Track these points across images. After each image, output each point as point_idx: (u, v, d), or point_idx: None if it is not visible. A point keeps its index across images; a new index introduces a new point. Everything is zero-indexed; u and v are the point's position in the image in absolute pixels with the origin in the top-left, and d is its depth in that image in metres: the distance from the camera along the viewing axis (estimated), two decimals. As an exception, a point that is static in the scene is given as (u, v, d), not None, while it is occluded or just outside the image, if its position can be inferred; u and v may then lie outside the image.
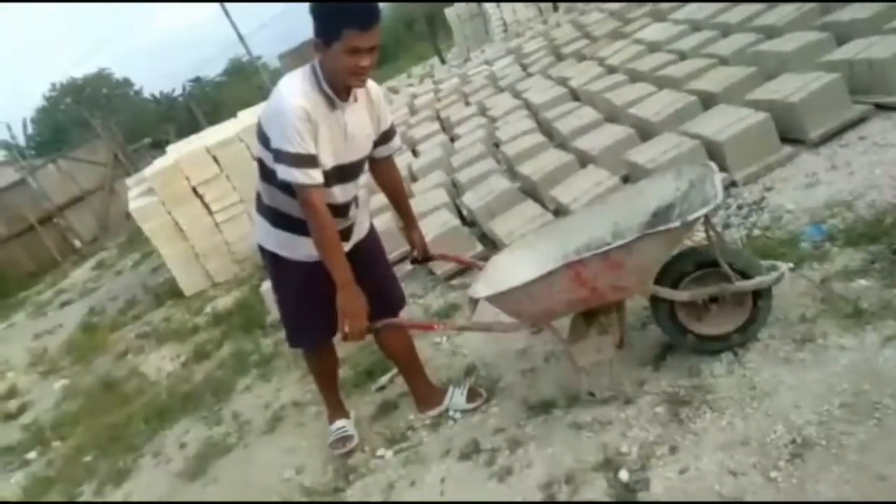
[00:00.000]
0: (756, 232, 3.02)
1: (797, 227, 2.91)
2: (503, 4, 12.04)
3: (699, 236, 2.61)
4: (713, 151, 3.49)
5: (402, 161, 6.23)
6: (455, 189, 4.99)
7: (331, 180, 2.32)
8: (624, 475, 2.10)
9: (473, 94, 7.69)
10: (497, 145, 5.44)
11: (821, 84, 3.42)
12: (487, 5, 12.35)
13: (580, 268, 2.21)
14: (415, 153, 6.45)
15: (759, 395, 2.16)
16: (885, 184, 2.87)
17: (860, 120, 3.41)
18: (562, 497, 2.16)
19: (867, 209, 2.76)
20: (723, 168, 3.48)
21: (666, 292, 2.33)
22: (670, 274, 2.34)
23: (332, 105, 2.28)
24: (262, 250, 2.62)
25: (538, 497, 2.20)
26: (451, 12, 13.08)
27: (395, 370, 3.16)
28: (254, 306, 5.09)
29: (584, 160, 4.19)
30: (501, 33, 11.91)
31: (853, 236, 2.64)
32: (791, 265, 2.62)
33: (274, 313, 4.59)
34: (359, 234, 2.63)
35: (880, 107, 3.41)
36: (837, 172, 3.15)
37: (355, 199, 2.52)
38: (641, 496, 2.02)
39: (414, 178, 5.56)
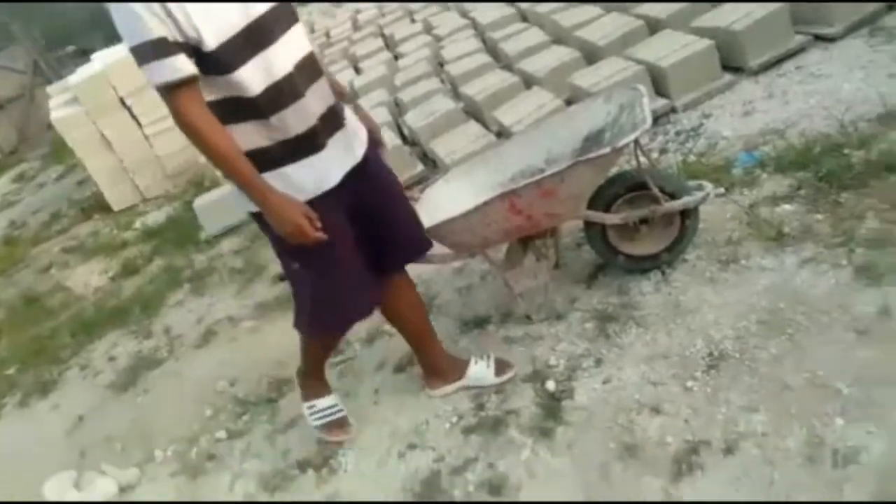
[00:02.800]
0: (692, 157, 3.07)
1: (731, 153, 2.97)
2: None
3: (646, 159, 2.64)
4: (656, 77, 3.49)
5: (344, 78, 6.05)
6: (397, 108, 4.88)
7: (245, 49, 1.64)
8: (551, 385, 2.18)
9: (419, 11, 7.44)
10: (441, 65, 5.32)
11: (764, 13, 3.42)
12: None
13: (514, 197, 2.21)
14: (357, 70, 6.25)
15: (682, 312, 2.24)
16: (816, 114, 2.93)
17: (799, 50, 3.44)
18: (491, 405, 2.22)
19: (798, 138, 2.82)
20: (665, 94, 3.51)
21: (598, 216, 2.36)
22: (603, 197, 2.36)
23: None
24: (255, 217, 1.89)
25: (469, 406, 2.26)
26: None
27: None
28: (187, 222, 4.94)
29: (528, 82, 4.14)
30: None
31: (783, 164, 2.71)
32: (722, 189, 2.70)
33: (211, 228, 4.49)
34: (353, 142, 1.91)
35: (819, 38, 3.45)
36: (773, 101, 3.20)
37: (305, 68, 1.76)
38: (566, 404, 2.10)
39: (356, 96, 5.40)
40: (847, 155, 2.57)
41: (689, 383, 1.98)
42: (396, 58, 6.09)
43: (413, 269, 3.10)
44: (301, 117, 1.76)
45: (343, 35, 7.99)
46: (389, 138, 4.06)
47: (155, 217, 5.52)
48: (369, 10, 8.86)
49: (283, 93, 1.71)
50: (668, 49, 3.55)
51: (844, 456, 1.62)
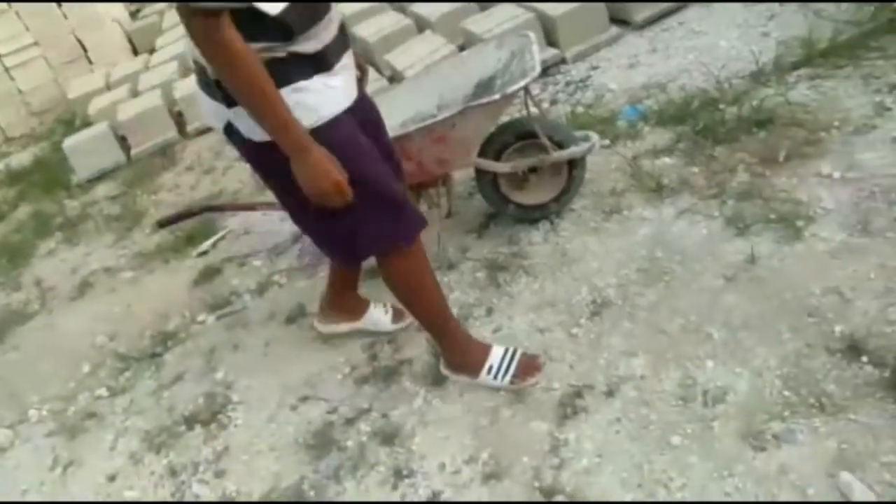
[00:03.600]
0: (580, 109, 3.13)
1: (616, 105, 3.06)
2: None
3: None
4: (548, 26, 3.52)
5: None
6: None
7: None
8: (443, 335, 2.21)
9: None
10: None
11: (651, -34, 3.50)
12: None
13: (405, 142, 2.17)
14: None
15: (568, 261, 2.32)
16: (695, 69, 3.06)
17: (682, 6, 3.56)
18: (384, 355, 2.24)
19: (678, 92, 2.94)
20: (555, 44, 3.55)
21: (488, 164, 2.37)
22: (493, 145, 2.37)
23: None
24: (257, 148, 1.60)
25: (362, 356, 2.27)
26: None
27: (219, 234, 3.02)
28: (56, 164, 4.58)
29: (421, 25, 4.06)
30: None
31: (664, 117, 2.82)
32: (607, 141, 2.78)
33: (83, 172, 4.19)
34: (352, 67, 1.70)
35: (700, -5, 3.58)
36: (656, 55, 3.31)
37: None
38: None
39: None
40: (722, 110, 2.71)
41: (574, 330, 2.07)
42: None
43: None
44: (329, 28, 1.56)
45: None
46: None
47: (19, 159, 5.07)
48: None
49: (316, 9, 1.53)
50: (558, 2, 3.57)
51: (713, 396, 1.75)
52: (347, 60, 1.65)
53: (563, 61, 3.51)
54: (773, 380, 1.71)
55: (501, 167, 2.37)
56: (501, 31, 3.41)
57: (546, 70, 3.41)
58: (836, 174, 2.24)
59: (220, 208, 2.80)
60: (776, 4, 3.29)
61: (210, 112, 1.64)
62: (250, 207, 2.70)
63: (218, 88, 1.53)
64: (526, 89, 2.23)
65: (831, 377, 1.66)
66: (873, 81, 2.56)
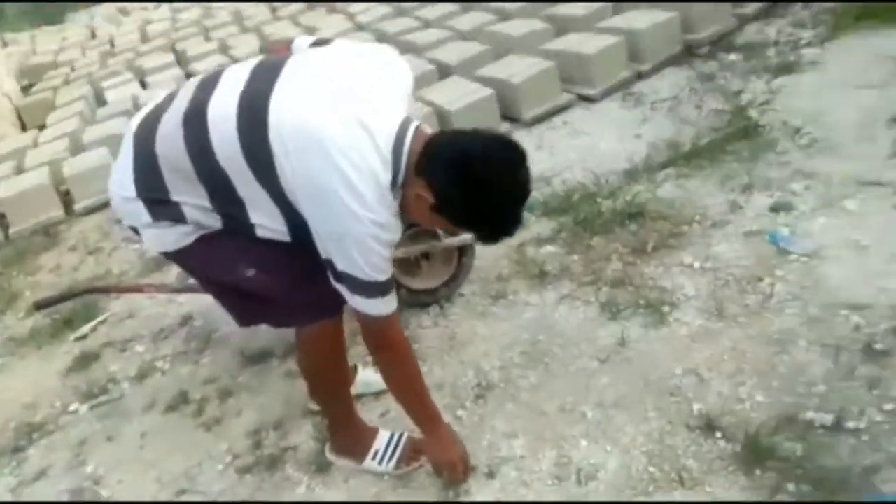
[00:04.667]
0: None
1: (505, 196, 3.22)
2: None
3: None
4: (444, 119, 3.71)
5: (128, 91, 5.67)
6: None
7: None
8: (329, 420, 2.19)
9: (215, 29, 7.21)
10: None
11: (538, 70, 3.80)
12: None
13: None
14: (143, 85, 5.89)
15: (457, 345, 2.38)
16: (577, 165, 3.30)
17: (566, 107, 3.86)
18: (268, 443, 2.19)
19: (561, 186, 3.15)
20: (449, 136, 3.73)
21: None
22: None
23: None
24: (182, 253, 1.72)
25: (246, 444, 2.21)
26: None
27: (100, 317, 2.90)
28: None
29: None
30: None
31: (548, 209, 3.00)
32: (496, 230, 2.92)
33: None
34: None
35: (582, 97, 3.90)
36: (542, 152, 3.54)
37: None
38: (343, 438, 2.13)
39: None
40: (599, 203, 2.92)
41: (460, 412, 2.11)
42: (189, 76, 5.83)
43: (195, 301, 2.99)
44: None
45: (129, 46, 7.50)
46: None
47: None
48: (162, 21, 8.42)
49: None
50: (455, 93, 3.79)
51: (586, 473, 1.82)
52: None
53: (457, 153, 3.68)
54: (639, 456, 1.80)
55: (395, 253, 2.44)
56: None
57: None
58: (697, 264, 2.45)
59: (104, 290, 2.72)
60: (649, 108, 3.63)
61: (126, 208, 1.71)
62: (137, 289, 2.63)
63: (163, 208, 1.65)
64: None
65: (690, 452, 1.77)
66: (729, 182, 2.85)
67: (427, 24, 5.30)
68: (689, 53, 4.05)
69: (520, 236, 2.87)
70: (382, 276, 1.58)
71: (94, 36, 8.76)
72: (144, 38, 7.73)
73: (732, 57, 3.91)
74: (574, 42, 4.04)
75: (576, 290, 2.49)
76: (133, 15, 9.93)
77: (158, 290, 2.60)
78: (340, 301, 1.69)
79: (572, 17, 4.44)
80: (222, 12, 8.05)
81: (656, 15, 4.03)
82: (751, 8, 4.22)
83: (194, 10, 8.66)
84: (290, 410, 2.28)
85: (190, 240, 1.68)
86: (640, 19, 4.04)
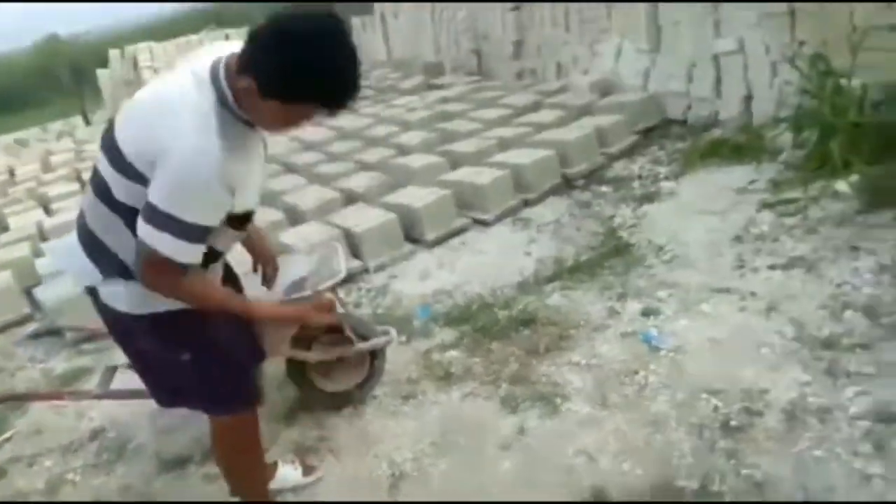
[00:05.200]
0: (380, 311, 3.55)
1: (411, 309, 3.51)
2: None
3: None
4: (352, 241, 4.02)
5: (32, 218, 5.67)
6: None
7: (245, 223, 1.88)
8: (251, 517, 2.27)
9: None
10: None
11: (437, 197, 4.24)
12: (145, 74, 11.99)
13: None
14: (47, 211, 5.92)
15: (370, 441, 2.55)
16: (475, 280, 3.65)
17: (463, 230, 4.28)
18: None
19: (462, 298, 3.48)
20: (359, 256, 4.04)
21: (300, 354, 2.63)
22: (304, 337, 2.65)
23: (252, 128, 1.74)
24: (133, 318, 1.83)
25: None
26: (103, 74, 12.35)
27: (6, 434, 2.86)
28: None
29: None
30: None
31: (450, 318, 3.31)
32: (404, 338, 3.18)
33: None
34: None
35: (477, 221, 4.34)
36: (444, 269, 3.90)
37: None
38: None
39: (44, 238, 5.11)
40: (496, 313, 3.25)
41: (376, 502, 2.26)
42: (95, 203, 5.93)
43: (107, 415, 3.00)
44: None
45: (30, 175, 7.51)
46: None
47: None
48: (65, 153, 8.50)
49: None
50: (362, 218, 4.14)
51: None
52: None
53: (366, 271, 3.98)
54: (541, 526, 2.02)
55: (312, 357, 2.63)
56: (311, 243, 3.84)
57: (351, 278, 3.84)
58: (583, 362, 2.78)
59: (23, 397, 2.71)
60: (535, 230, 4.11)
61: (82, 271, 1.81)
62: (57, 396, 2.65)
63: (107, 261, 1.77)
64: (334, 290, 2.58)
65: (584, 519, 2.01)
66: (606, 291, 3.27)
67: (334, 158, 5.73)
68: (567, 185, 4.64)
69: (426, 343, 3.15)
70: (200, 220, 1.63)
71: (-9, 165, 8.69)
72: (46, 168, 7.78)
73: (604, 188, 4.52)
74: (468, 174, 4.55)
75: (478, 388, 2.75)
76: (32, 147, 9.94)
77: (78, 396, 2.63)
78: (258, 395, 1.91)
79: (464, 153, 4.99)
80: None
81: (537, 152, 4.63)
82: (616, 148, 4.92)
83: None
84: (210, 513, 2.34)
85: (140, 310, 1.81)
86: (524, 155, 4.63)
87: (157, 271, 1.67)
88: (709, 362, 2.61)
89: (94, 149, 8.47)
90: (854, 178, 3.49)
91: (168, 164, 1.57)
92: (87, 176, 6.92)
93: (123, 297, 1.79)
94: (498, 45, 7.71)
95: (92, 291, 1.85)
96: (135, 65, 12.13)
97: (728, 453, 2.18)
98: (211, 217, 1.66)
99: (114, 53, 12.33)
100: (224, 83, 1.63)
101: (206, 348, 1.88)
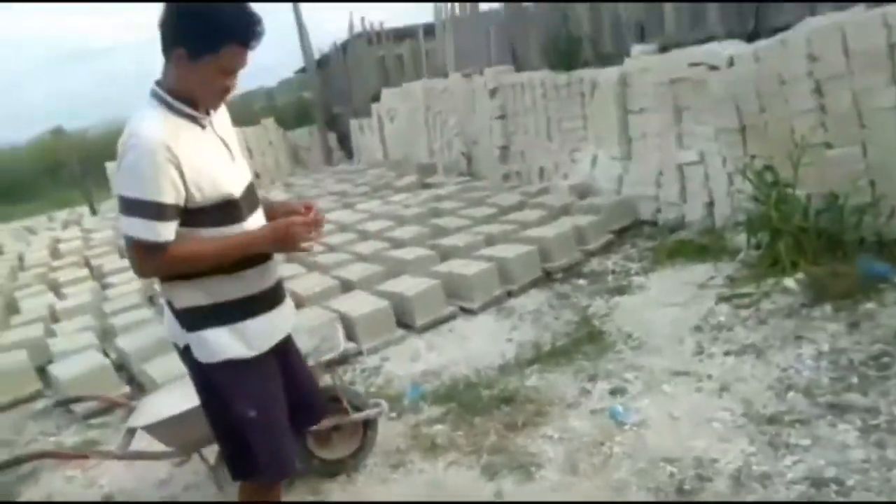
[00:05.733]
0: (373, 389, 3.85)
1: (402, 387, 3.82)
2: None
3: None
4: (348, 325, 4.36)
5: (43, 301, 5.98)
6: (103, 334, 5.03)
7: (243, 212, 2.00)
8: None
9: (130, 248, 7.78)
10: (151, 297, 5.66)
11: (427, 286, 4.61)
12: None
13: None
14: (58, 295, 6.23)
15: (362, 505, 2.81)
16: (461, 363, 3.98)
17: (451, 317, 4.63)
18: None
19: (449, 378, 3.79)
20: (354, 339, 4.36)
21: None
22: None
23: (199, 124, 1.94)
24: (210, 368, 2.01)
25: None
26: (111, 166, 12.93)
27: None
28: None
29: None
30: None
31: (438, 396, 3.61)
32: (394, 414, 3.47)
33: None
34: (290, 317, 2.24)
35: (464, 309, 4.70)
36: (432, 353, 4.22)
37: None
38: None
39: (56, 319, 5.41)
40: (479, 392, 3.56)
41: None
42: (104, 287, 6.26)
43: (115, 482, 3.24)
44: (266, 276, 2.07)
45: (39, 261, 7.86)
46: (97, 358, 4.24)
47: None
48: (73, 241, 8.88)
49: (257, 254, 2.02)
50: (358, 304, 4.49)
51: None
52: (284, 305, 2.16)
53: (360, 353, 4.29)
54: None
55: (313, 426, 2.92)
56: (311, 326, 4.17)
57: (346, 359, 4.16)
58: (556, 435, 3.08)
59: (53, 455, 2.89)
60: (517, 318, 4.47)
61: (172, 331, 2.06)
62: (82, 456, 2.90)
63: (176, 314, 2.01)
64: (331, 363, 2.91)
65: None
66: (580, 374, 3.59)
67: (332, 249, 6.15)
68: (548, 278, 5.04)
69: (414, 418, 3.44)
70: (151, 197, 1.79)
71: (1, 252, 9.05)
72: (55, 255, 8.14)
73: (581, 281, 4.92)
74: (456, 265, 4.95)
75: (461, 458, 3.03)
76: (41, 234, 10.34)
77: (102, 455, 2.87)
78: (291, 467, 2.14)
79: (454, 246, 5.42)
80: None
81: (520, 247, 5.06)
82: (593, 245, 5.36)
83: (107, 231, 9.24)
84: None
85: (218, 357, 1.99)
86: (508, 250, 5.05)
87: (144, 256, 1.87)
88: (667, 435, 2.92)
89: (100, 237, 8.89)
90: (800, 275, 3.91)
91: (123, 158, 1.82)
92: (95, 262, 7.30)
93: (201, 345, 1.99)
94: (486, 149, 8.33)
95: (176, 346, 2.10)
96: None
97: (681, 514, 2.47)
98: (167, 192, 1.81)
99: (123, 148, 12.97)
100: (159, 89, 1.90)
101: (257, 415, 2.03)
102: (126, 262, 7.05)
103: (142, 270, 1.95)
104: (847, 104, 4.07)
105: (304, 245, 1.99)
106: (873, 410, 2.77)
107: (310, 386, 2.40)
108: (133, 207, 1.82)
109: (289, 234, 1.98)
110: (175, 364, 4.09)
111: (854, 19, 4.04)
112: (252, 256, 2.01)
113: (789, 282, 3.92)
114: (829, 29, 4.12)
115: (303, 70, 16.33)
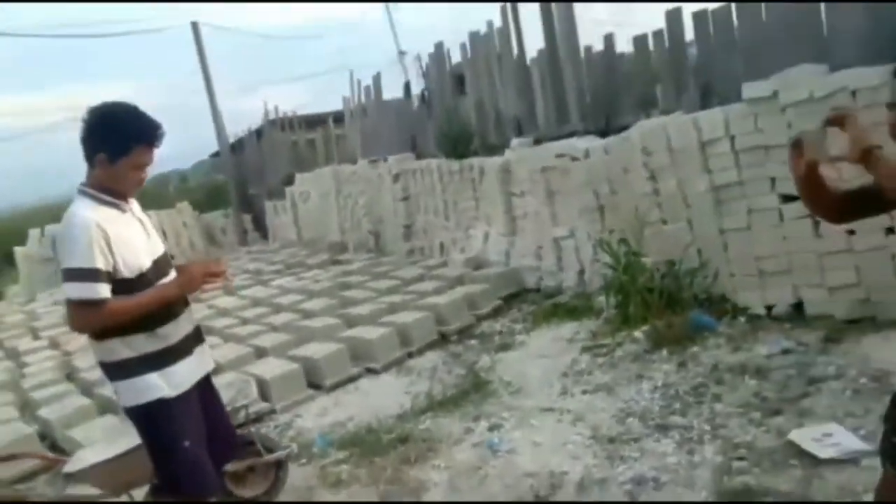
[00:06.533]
0: (286, 441, 4.31)
1: (312, 438, 4.30)
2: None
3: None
4: (262, 387, 4.82)
5: (-45, 380, 6.09)
6: (24, 406, 5.26)
7: (154, 278, 2.47)
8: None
9: (45, 330, 7.90)
10: (69, 374, 5.90)
11: (334, 350, 5.16)
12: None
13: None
14: (-31, 376, 6.35)
15: (274, 533, 3.27)
16: (365, 413, 4.51)
17: (357, 377, 5.18)
18: None
19: (353, 427, 4.32)
20: (268, 399, 4.82)
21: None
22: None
23: (121, 210, 2.46)
24: (138, 410, 2.47)
25: None
26: (20, 251, 12.86)
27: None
28: None
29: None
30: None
31: (343, 442, 4.12)
32: (304, 460, 3.95)
33: None
34: (207, 359, 2.73)
35: (369, 370, 5.26)
36: (339, 408, 4.74)
37: (182, 297, 2.59)
38: None
39: (-30, 397, 5.57)
40: (380, 436, 4.10)
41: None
42: (20, 367, 6.43)
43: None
44: (181, 327, 2.56)
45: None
46: (21, 428, 4.51)
47: None
48: (-19, 324, 8.86)
49: (169, 312, 2.51)
50: (271, 367, 4.98)
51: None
52: (199, 351, 2.66)
53: (273, 411, 4.75)
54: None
55: (229, 466, 3.38)
56: (226, 386, 4.62)
57: (261, 417, 4.61)
58: (443, 465, 3.64)
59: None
60: (416, 375, 5.05)
61: (124, 393, 2.49)
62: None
63: (106, 368, 2.48)
64: (246, 409, 3.40)
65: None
66: (466, 416, 4.19)
67: (246, 321, 6.60)
68: (443, 340, 5.69)
69: (322, 461, 3.93)
70: (88, 264, 2.27)
71: None
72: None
73: (472, 342, 5.60)
74: (361, 331, 5.53)
75: (361, 490, 3.54)
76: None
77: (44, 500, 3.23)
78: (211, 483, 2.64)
79: (360, 314, 6.01)
80: (51, 315, 8.77)
81: (419, 314, 5.71)
82: (483, 310, 6.08)
83: (16, 315, 9.26)
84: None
85: (148, 398, 2.46)
86: (408, 316, 5.69)
87: (82, 315, 2.34)
88: (530, 458, 3.55)
89: (12, 320, 8.91)
90: (646, 327, 4.73)
91: (64, 238, 2.35)
92: (8, 344, 7.41)
93: (128, 391, 2.47)
94: (392, 227, 9.07)
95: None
96: (53, 244, 12.72)
97: (536, 515, 3.08)
98: (99, 259, 2.29)
99: (33, 233, 12.96)
100: (86, 187, 2.43)
101: (179, 443, 2.51)
102: (41, 343, 7.24)
103: (81, 327, 2.44)
104: (674, 188, 5.04)
105: (206, 287, 2.59)
106: (689, 427, 3.51)
107: (227, 422, 2.91)
108: (74, 275, 2.32)
109: (192, 275, 2.54)
110: (97, 429, 4.45)
111: (674, 122, 5.07)
112: (166, 313, 2.50)
113: (637, 333, 4.73)
114: (656, 129, 5.12)
115: (217, 154, 16.87)
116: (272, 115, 14.07)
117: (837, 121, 1.76)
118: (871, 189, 1.77)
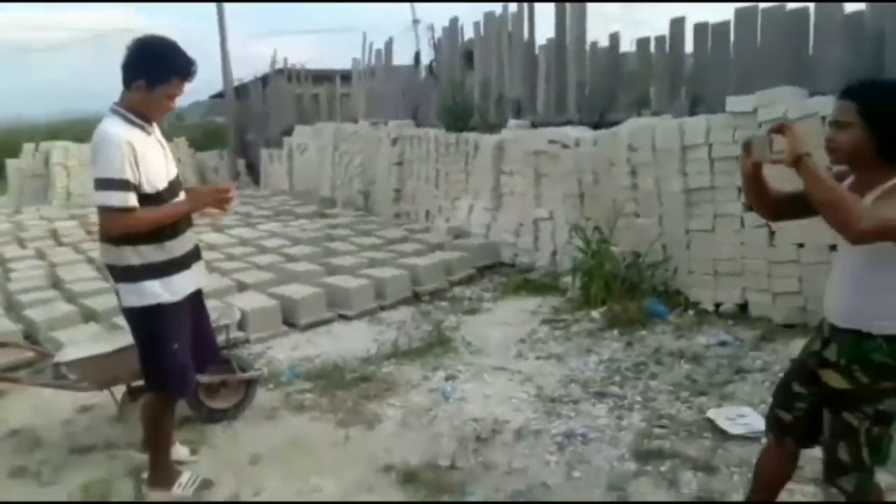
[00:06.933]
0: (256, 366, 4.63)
1: (281, 368, 4.62)
2: (73, 174, 12.62)
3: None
4: (241, 318, 5.11)
5: (-55, 275, 6.32)
6: (9, 306, 5.52)
7: (168, 196, 2.76)
8: None
9: (32, 241, 8.12)
10: (55, 284, 6.16)
11: (312, 292, 5.47)
12: (56, 170, 12.70)
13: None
14: (-43, 273, 6.58)
15: (238, 441, 3.59)
16: (333, 353, 4.84)
17: (330, 321, 5.49)
18: (95, 493, 3.14)
19: (320, 363, 4.64)
20: (244, 330, 5.13)
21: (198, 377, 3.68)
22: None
23: (147, 132, 2.74)
24: (138, 311, 2.78)
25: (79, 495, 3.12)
26: (13, 163, 12.97)
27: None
28: None
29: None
30: (63, 200, 12.27)
31: (310, 375, 4.44)
32: (271, 385, 4.27)
33: None
34: (203, 275, 3.08)
35: (342, 316, 5.57)
36: (310, 345, 5.05)
37: (188, 216, 2.91)
38: None
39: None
40: (344, 374, 4.43)
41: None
42: (7, 272, 6.67)
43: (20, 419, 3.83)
44: (184, 243, 2.87)
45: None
46: (7, 326, 4.79)
47: None
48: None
49: (176, 229, 2.82)
50: (251, 302, 5.28)
51: None
52: (197, 266, 2.99)
53: (248, 342, 5.06)
54: None
55: (204, 378, 3.69)
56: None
57: (236, 345, 4.91)
58: (398, 404, 3.98)
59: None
60: (385, 326, 5.38)
61: (126, 295, 2.80)
62: (13, 379, 3.52)
63: (114, 270, 2.79)
64: (227, 330, 3.70)
65: None
66: (426, 366, 4.52)
67: (232, 258, 6.87)
68: (416, 298, 6.01)
69: (288, 388, 4.25)
70: (118, 175, 2.57)
71: None
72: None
73: (443, 303, 5.93)
74: (340, 280, 5.84)
75: (321, 415, 3.87)
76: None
77: (25, 381, 3.53)
78: (190, 386, 2.99)
79: (340, 265, 6.31)
80: (37, 229, 8.98)
81: (396, 271, 6.02)
82: (457, 276, 6.40)
83: (4, 224, 9.46)
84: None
85: (150, 301, 2.78)
86: (385, 272, 6.00)
87: (116, 219, 2.63)
88: (478, 406, 3.90)
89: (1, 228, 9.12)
90: (603, 309, 5.08)
91: (98, 151, 2.62)
92: (-2, 248, 7.62)
93: (130, 294, 2.79)
94: (383, 189, 9.35)
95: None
96: (46, 161, 12.87)
97: (474, 451, 3.42)
98: (128, 172, 2.59)
99: (28, 147, 13.07)
100: (118, 107, 2.72)
101: (167, 345, 2.85)
102: (27, 252, 7.47)
103: (114, 230, 2.70)
104: (651, 186, 5.37)
105: (213, 210, 2.91)
106: (623, 397, 3.88)
107: (211, 337, 3.26)
108: (108, 184, 2.62)
109: (201, 195, 2.91)
110: (80, 334, 4.73)
111: (661, 124, 5.38)
112: (173, 229, 2.80)
113: (595, 313, 5.08)
114: (644, 128, 5.43)
115: (219, 95, 16.94)
116: (280, 65, 14.19)
117: (780, 129, 2.08)
118: (801, 194, 2.10)
